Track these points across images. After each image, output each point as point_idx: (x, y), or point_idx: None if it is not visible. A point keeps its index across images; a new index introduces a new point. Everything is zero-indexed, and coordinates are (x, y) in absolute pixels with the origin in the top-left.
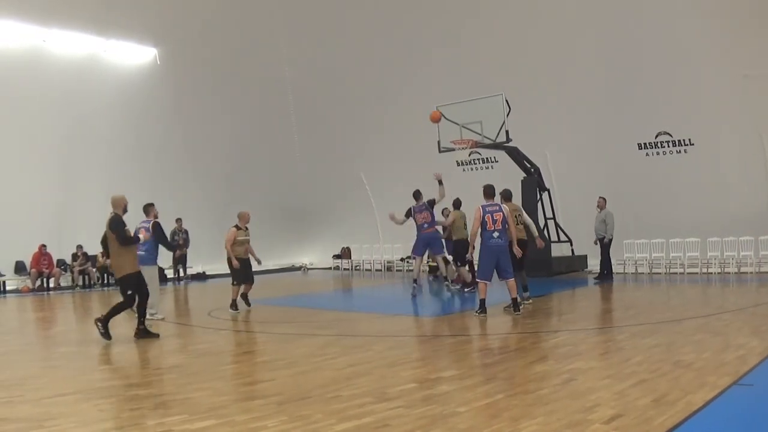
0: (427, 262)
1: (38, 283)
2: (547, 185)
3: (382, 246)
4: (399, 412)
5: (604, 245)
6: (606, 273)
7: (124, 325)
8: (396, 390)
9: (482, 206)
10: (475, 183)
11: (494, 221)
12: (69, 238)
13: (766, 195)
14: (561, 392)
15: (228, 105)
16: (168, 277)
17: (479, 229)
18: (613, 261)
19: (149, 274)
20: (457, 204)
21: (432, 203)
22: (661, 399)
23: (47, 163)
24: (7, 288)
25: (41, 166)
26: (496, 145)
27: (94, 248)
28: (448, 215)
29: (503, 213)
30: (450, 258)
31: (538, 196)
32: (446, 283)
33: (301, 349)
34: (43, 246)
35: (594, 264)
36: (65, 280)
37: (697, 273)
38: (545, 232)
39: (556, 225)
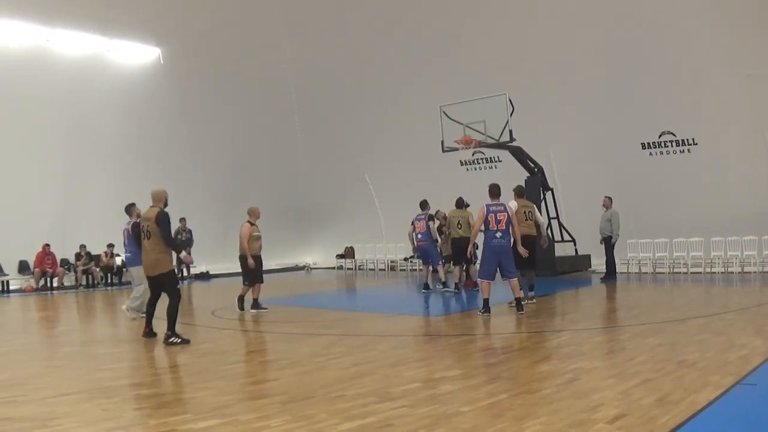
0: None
1: (42, 282)
2: (550, 185)
3: (386, 245)
4: (402, 411)
5: (610, 245)
6: (610, 272)
7: (126, 324)
8: (400, 389)
9: (487, 205)
10: (478, 183)
11: (498, 221)
12: (72, 238)
13: None
14: (564, 392)
15: (231, 105)
16: None
17: (482, 228)
18: (616, 260)
19: (138, 275)
20: (459, 203)
21: (432, 217)
22: (664, 398)
23: (51, 163)
24: (11, 287)
25: (45, 165)
26: (499, 145)
27: (98, 248)
28: (443, 216)
29: (507, 213)
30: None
31: (542, 196)
32: (444, 289)
33: (305, 348)
34: (47, 245)
35: (597, 264)
36: (69, 280)
37: (700, 273)
38: (549, 231)
39: (560, 224)
